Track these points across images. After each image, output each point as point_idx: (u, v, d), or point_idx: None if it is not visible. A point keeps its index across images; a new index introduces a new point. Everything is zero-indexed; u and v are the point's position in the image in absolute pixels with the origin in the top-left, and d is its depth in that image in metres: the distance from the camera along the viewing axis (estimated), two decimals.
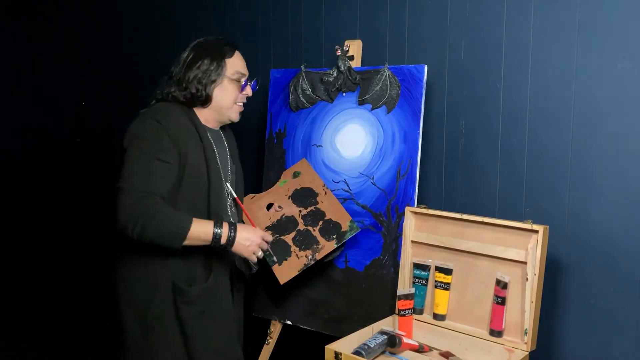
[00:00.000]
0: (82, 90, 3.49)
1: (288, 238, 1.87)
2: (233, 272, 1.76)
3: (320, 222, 1.89)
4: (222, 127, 1.80)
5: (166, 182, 1.53)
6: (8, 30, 3.69)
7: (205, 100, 1.66)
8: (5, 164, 3.75)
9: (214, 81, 1.65)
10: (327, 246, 1.83)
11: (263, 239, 1.61)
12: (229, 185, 1.65)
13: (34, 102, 3.71)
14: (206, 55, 1.65)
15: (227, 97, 1.68)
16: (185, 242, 1.49)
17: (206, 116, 1.69)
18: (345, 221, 1.86)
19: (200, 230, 1.50)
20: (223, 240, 1.52)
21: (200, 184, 1.59)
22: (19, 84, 3.73)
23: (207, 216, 1.60)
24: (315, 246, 1.84)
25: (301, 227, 1.89)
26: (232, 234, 1.53)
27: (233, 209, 1.75)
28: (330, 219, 1.88)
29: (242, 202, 1.81)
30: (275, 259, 1.80)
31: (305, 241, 1.86)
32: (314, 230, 1.88)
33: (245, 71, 1.72)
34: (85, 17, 3.41)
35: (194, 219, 1.50)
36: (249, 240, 1.56)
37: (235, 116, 1.73)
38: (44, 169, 3.71)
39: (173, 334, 1.59)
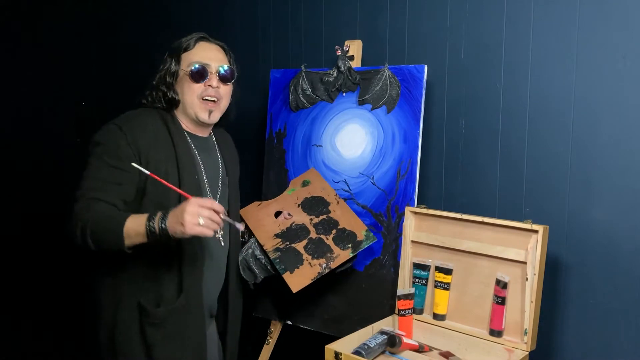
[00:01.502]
0: (82, 90, 3.49)
1: (299, 246, 1.82)
2: (229, 288, 1.70)
3: (334, 231, 1.84)
4: (217, 134, 1.71)
5: (121, 190, 1.43)
6: (8, 30, 3.70)
7: (173, 101, 1.57)
8: (5, 164, 3.75)
9: (173, 77, 1.56)
10: (342, 255, 1.78)
11: (201, 206, 1.32)
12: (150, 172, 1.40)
13: (34, 102, 3.72)
14: (168, 53, 1.60)
15: (186, 92, 1.56)
16: (128, 242, 1.35)
17: (184, 120, 1.60)
18: (360, 230, 1.82)
19: (135, 225, 1.35)
20: (157, 232, 1.33)
21: (168, 197, 1.47)
22: (19, 83, 3.73)
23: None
24: (329, 255, 1.79)
25: (313, 235, 1.85)
26: (163, 223, 1.33)
27: (221, 227, 1.56)
28: (344, 228, 1.84)
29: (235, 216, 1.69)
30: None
31: (318, 249, 1.81)
32: (327, 239, 1.83)
33: (208, 61, 1.56)
34: (85, 16, 3.41)
35: (131, 215, 1.37)
36: (181, 216, 1.30)
37: (202, 114, 1.57)
38: (44, 169, 3.71)
39: (139, 357, 1.49)
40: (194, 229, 1.30)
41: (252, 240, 1.85)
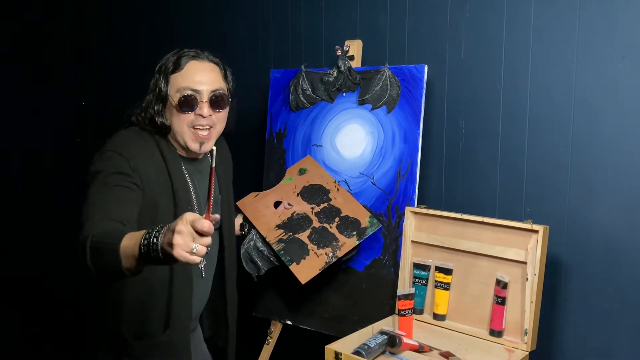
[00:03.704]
0: (82, 90, 3.49)
1: (303, 236, 1.80)
2: (228, 309, 1.63)
3: (337, 219, 1.82)
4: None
5: (129, 207, 1.29)
6: (8, 30, 3.70)
7: (163, 127, 1.42)
8: (5, 164, 3.75)
9: (161, 102, 1.42)
10: (348, 243, 1.76)
11: (197, 229, 0.99)
12: None
13: (34, 102, 3.71)
14: (156, 72, 1.45)
15: (175, 120, 1.41)
16: (125, 262, 1.09)
17: (177, 145, 1.47)
18: (364, 217, 1.80)
19: (132, 241, 1.09)
20: (150, 247, 1.04)
21: (160, 220, 1.33)
22: (19, 83, 3.73)
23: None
24: (335, 243, 1.77)
25: (316, 224, 1.82)
26: (155, 238, 1.04)
27: (209, 253, 1.49)
28: (347, 215, 1.82)
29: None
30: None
31: (323, 238, 1.78)
32: (331, 227, 1.81)
33: (199, 86, 1.41)
34: (85, 16, 3.41)
35: (130, 232, 1.13)
36: (171, 236, 0.99)
37: (193, 145, 1.43)
38: (44, 169, 3.71)
39: None
40: (183, 255, 0.99)
41: (252, 232, 1.82)
